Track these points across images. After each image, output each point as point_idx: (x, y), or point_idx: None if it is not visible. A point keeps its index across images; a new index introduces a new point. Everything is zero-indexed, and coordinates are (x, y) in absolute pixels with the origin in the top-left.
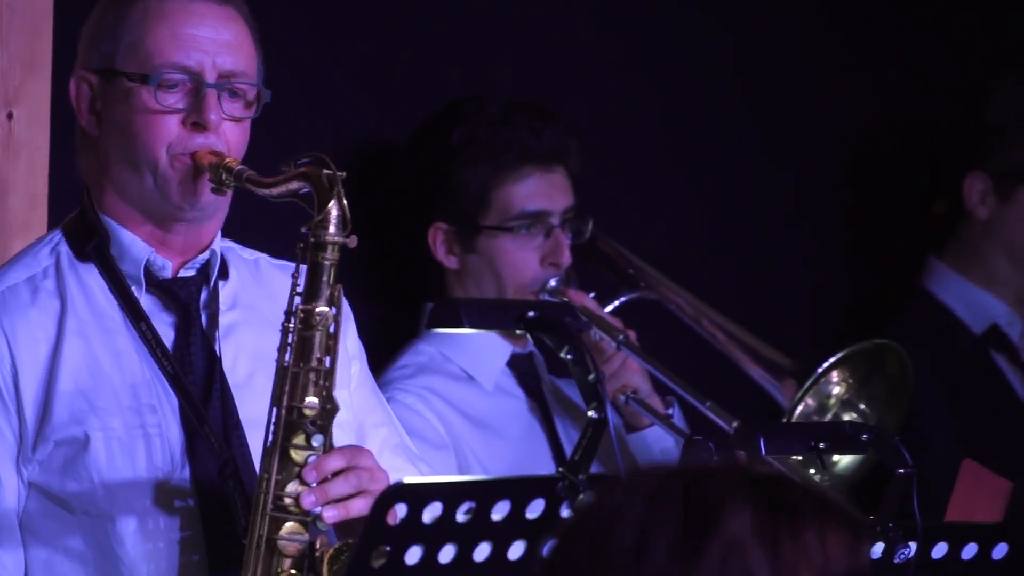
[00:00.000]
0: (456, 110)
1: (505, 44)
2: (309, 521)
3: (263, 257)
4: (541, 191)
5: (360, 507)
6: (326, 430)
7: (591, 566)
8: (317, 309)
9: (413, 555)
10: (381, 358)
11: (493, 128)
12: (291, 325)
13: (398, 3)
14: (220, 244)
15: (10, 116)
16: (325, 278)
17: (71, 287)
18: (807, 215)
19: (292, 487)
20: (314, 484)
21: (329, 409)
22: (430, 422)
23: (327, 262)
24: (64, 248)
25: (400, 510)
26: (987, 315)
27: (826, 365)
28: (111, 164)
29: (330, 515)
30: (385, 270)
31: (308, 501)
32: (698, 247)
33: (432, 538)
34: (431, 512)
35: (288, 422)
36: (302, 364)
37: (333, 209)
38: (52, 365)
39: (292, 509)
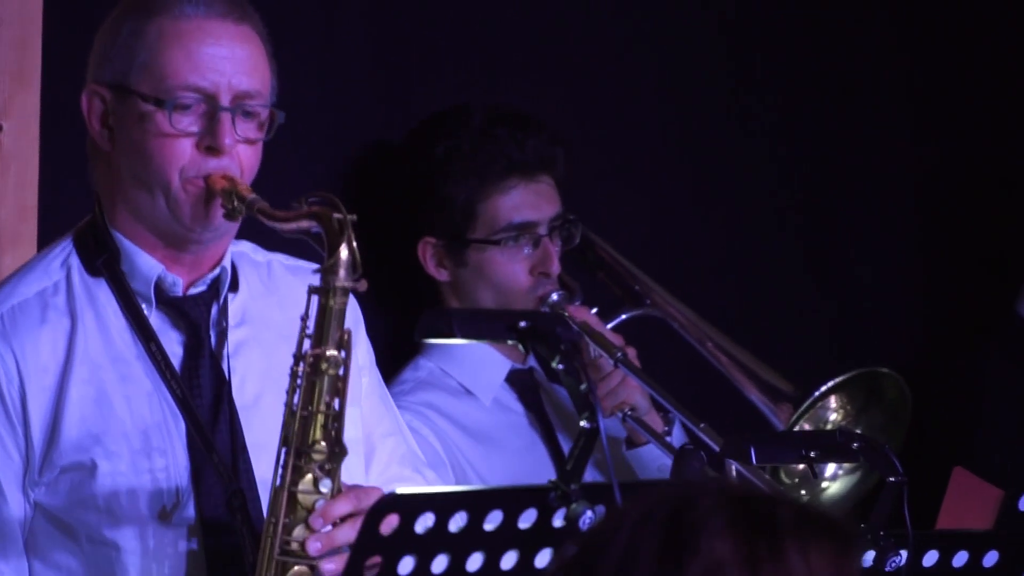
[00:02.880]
0: (438, 123)
1: (497, 51)
2: (316, 565)
3: (276, 259)
4: (527, 202)
5: None
6: (334, 474)
7: None
8: (327, 353)
9: (406, 565)
10: (382, 372)
11: (476, 141)
12: (299, 369)
13: (389, 11)
14: (233, 250)
15: None
16: (335, 322)
17: (81, 304)
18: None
19: (299, 531)
20: (321, 530)
21: (338, 453)
22: (427, 439)
23: (337, 306)
24: (75, 261)
25: (393, 520)
26: None
27: (822, 390)
28: (123, 181)
29: (328, 569)
30: (384, 284)
31: (313, 548)
32: (714, 259)
33: (425, 548)
34: (424, 522)
35: (296, 466)
36: (311, 407)
37: (343, 254)
38: (61, 389)
39: (299, 554)
